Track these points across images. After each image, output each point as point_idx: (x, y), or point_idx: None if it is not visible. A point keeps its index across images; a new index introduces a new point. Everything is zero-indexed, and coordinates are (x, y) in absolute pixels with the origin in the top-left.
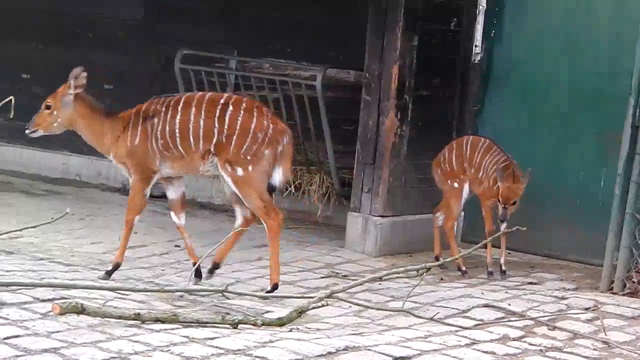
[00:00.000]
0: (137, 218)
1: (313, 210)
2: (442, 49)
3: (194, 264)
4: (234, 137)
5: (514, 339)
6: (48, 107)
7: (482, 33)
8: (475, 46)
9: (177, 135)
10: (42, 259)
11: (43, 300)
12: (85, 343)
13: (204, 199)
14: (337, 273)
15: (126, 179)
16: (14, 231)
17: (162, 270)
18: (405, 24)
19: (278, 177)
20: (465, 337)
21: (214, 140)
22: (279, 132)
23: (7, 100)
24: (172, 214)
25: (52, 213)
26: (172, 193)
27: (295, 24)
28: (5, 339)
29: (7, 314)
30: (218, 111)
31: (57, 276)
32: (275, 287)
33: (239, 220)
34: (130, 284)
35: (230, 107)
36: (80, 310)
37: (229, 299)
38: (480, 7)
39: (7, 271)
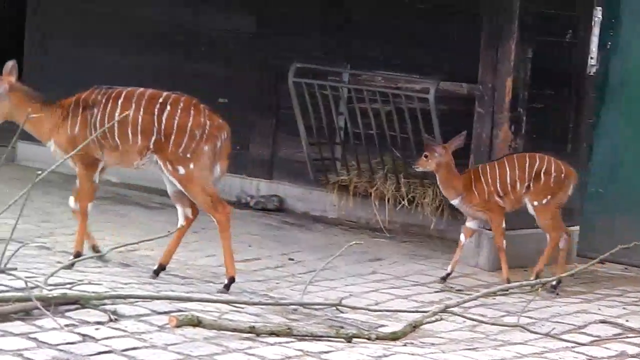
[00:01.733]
0: (90, 205)
1: (426, 224)
2: (557, 60)
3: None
4: (172, 136)
5: (631, 356)
6: None
7: (598, 44)
8: (591, 58)
9: (115, 127)
10: None
11: (160, 313)
12: (201, 356)
13: (317, 213)
14: (451, 287)
15: (240, 191)
16: (131, 244)
17: (277, 283)
18: (520, 36)
19: (216, 172)
20: (582, 353)
21: (153, 138)
22: (217, 128)
23: (124, 114)
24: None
25: (168, 226)
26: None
27: (408, 36)
28: (123, 351)
29: (125, 326)
30: (157, 110)
31: (173, 289)
32: (232, 280)
33: (181, 219)
34: (245, 297)
35: (168, 107)
36: (196, 323)
37: (342, 312)
38: (596, 18)
39: (125, 284)
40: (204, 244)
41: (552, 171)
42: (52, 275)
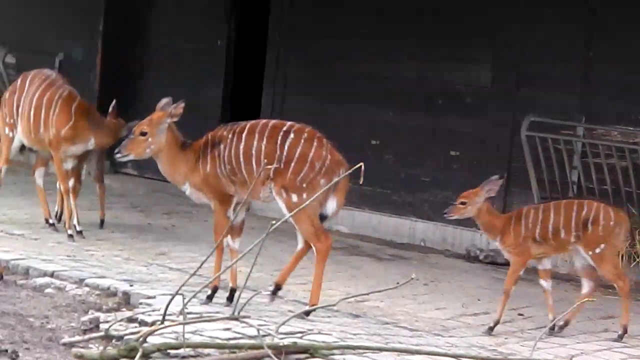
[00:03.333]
0: (225, 240)
1: None
2: None
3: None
4: (292, 163)
5: None
6: (143, 134)
7: None
8: None
9: (241, 162)
10: (387, 323)
11: None
12: None
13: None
14: None
15: (471, 245)
16: (362, 295)
17: (505, 338)
18: None
19: (331, 207)
20: None
21: (274, 166)
22: (336, 163)
23: (357, 166)
24: (228, 237)
25: (398, 277)
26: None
27: None
28: None
29: None
30: (280, 138)
31: (401, 341)
32: (313, 307)
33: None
34: (474, 352)
35: (292, 135)
36: None
37: None
38: None
39: (354, 334)
40: (433, 296)
41: (601, 219)
42: (283, 323)
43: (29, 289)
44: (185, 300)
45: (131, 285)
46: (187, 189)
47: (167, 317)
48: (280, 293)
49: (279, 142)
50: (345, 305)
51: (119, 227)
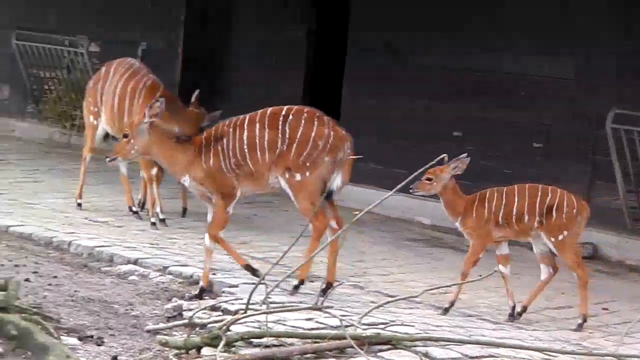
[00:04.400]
0: (221, 233)
1: None
2: None
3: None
4: (294, 145)
5: None
6: (125, 136)
7: None
8: None
9: (246, 151)
10: (469, 316)
11: (472, 358)
12: None
13: (633, 262)
14: None
15: None
16: (445, 286)
17: (590, 332)
18: None
19: (337, 182)
20: None
21: (277, 151)
22: (340, 139)
23: (440, 157)
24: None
25: (480, 270)
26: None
27: None
28: None
29: None
30: (280, 122)
31: (484, 334)
32: (301, 282)
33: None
34: (558, 346)
35: (291, 117)
36: None
37: None
38: None
39: (437, 326)
40: (516, 289)
41: (565, 206)
42: (366, 314)
43: (114, 276)
44: (268, 290)
45: (214, 274)
46: (187, 181)
47: (249, 306)
48: (362, 284)
49: (279, 127)
50: (427, 297)
51: (201, 216)
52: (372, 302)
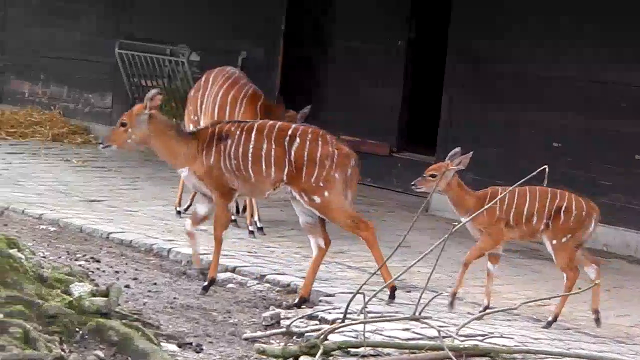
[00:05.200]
0: (224, 233)
1: None
2: None
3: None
4: (304, 167)
5: None
6: (123, 125)
7: None
8: None
9: (249, 160)
10: (568, 329)
11: None
12: None
13: None
14: None
15: None
16: (543, 299)
17: None
18: None
19: (348, 198)
20: None
21: (286, 170)
22: (345, 156)
23: (541, 169)
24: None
25: (579, 282)
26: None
27: None
28: None
29: None
30: (287, 142)
31: (583, 347)
32: (393, 290)
33: (314, 250)
34: None
35: (297, 139)
36: None
37: None
38: None
39: (535, 339)
40: (615, 302)
41: (574, 209)
42: (464, 325)
43: None
44: (366, 299)
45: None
46: (185, 172)
47: (347, 316)
48: (459, 295)
49: (286, 146)
50: (525, 309)
51: (298, 225)
52: (470, 313)
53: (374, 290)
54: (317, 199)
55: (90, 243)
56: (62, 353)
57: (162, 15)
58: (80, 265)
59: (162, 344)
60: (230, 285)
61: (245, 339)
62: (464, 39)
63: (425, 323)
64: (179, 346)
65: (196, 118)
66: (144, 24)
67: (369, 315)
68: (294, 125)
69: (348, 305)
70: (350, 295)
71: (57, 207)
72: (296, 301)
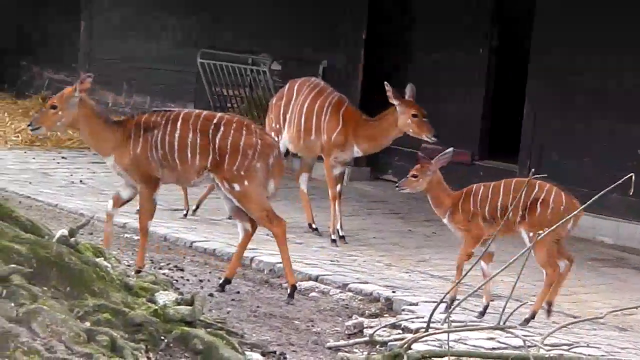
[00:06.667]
0: (149, 223)
1: None
2: None
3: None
4: (227, 156)
5: None
6: (54, 107)
7: None
8: None
9: (175, 149)
10: None
11: None
12: None
13: None
14: None
15: None
16: (630, 308)
17: None
18: None
19: (270, 189)
20: None
21: (210, 158)
22: (268, 146)
23: (627, 177)
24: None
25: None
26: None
27: None
28: None
29: None
30: (211, 131)
31: None
32: (294, 288)
33: (241, 234)
34: None
35: (222, 128)
36: None
37: None
38: None
39: (622, 348)
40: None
41: (551, 202)
42: (549, 335)
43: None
44: (450, 308)
45: (394, 292)
46: (111, 161)
47: (430, 325)
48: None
49: (210, 135)
50: (611, 318)
51: (380, 233)
52: (555, 322)
53: (457, 300)
54: (237, 187)
55: (174, 252)
56: None
57: (243, 25)
58: (164, 274)
59: (246, 352)
60: (312, 294)
61: (329, 348)
62: (545, 49)
63: (510, 332)
64: (263, 355)
65: (277, 126)
66: (226, 33)
67: (453, 324)
68: (218, 115)
69: (432, 314)
70: (434, 304)
71: None
72: (221, 281)
